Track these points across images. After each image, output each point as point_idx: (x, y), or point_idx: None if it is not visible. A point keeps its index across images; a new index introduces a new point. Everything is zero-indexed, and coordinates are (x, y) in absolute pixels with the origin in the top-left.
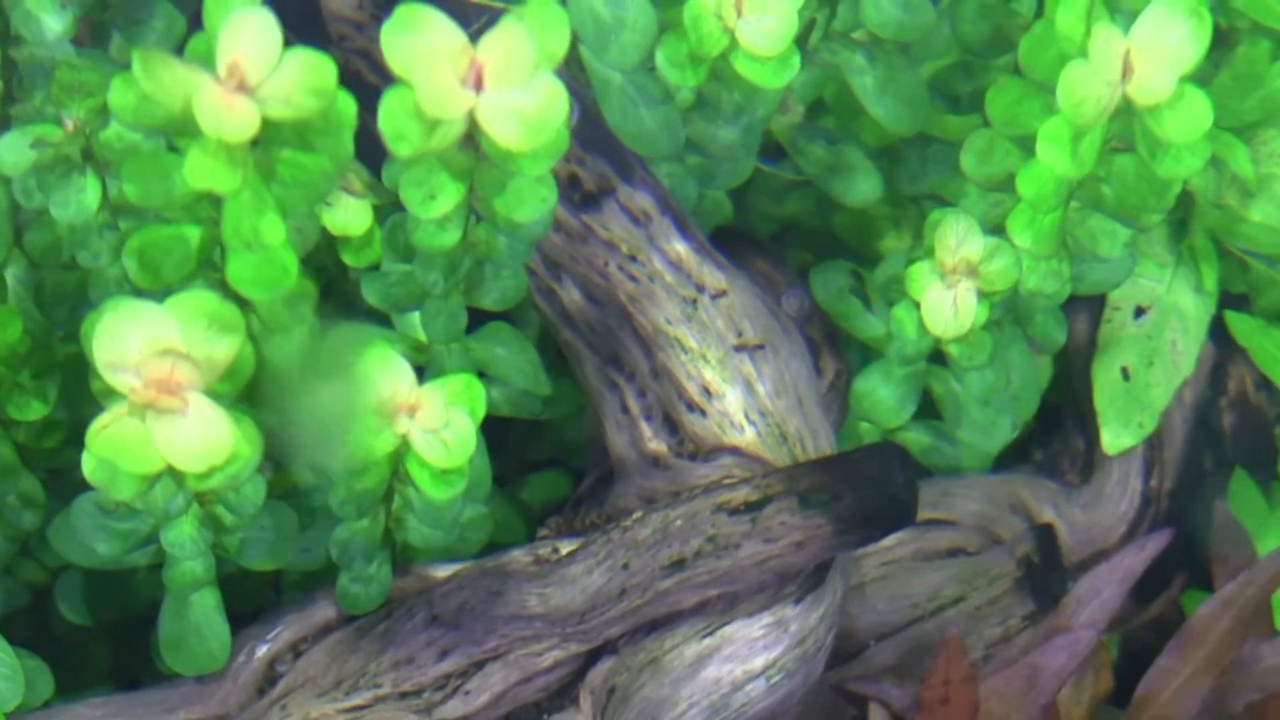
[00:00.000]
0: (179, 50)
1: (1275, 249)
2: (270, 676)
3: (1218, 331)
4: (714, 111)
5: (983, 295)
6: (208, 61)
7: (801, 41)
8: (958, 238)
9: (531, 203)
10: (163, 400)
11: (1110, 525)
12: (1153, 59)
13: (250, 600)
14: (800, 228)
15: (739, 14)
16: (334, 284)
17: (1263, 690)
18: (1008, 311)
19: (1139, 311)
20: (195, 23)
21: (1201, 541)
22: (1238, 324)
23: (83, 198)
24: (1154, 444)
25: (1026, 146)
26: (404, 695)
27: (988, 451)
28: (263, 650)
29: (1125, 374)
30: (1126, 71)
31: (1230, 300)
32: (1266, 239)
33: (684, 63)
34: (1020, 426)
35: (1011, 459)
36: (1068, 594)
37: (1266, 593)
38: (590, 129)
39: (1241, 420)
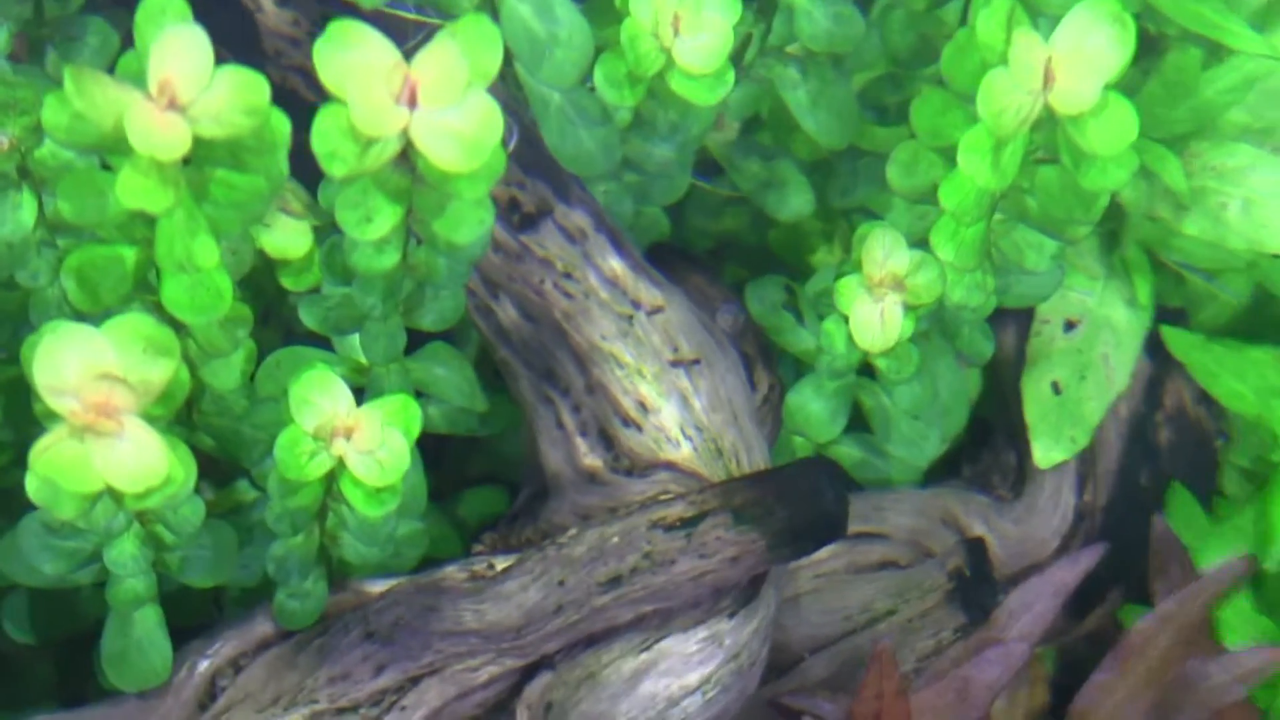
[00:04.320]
0: (112, 67)
1: (1211, 263)
2: (211, 692)
3: (1154, 346)
4: (650, 129)
5: (909, 308)
6: (139, 79)
7: (737, 57)
8: (884, 251)
9: (470, 224)
10: (100, 423)
11: (1043, 539)
12: (1075, 67)
13: (192, 617)
14: (737, 243)
15: (675, 32)
16: (273, 308)
17: (1210, 709)
18: (934, 324)
19: (1069, 325)
20: (129, 40)
21: (1139, 556)
22: (1174, 339)
23: (19, 215)
24: (1087, 458)
25: (951, 158)
26: (340, 711)
27: (917, 465)
28: (204, 666)
29: (1056, 388)
30: (1048, 80)
31: (1167, 314)
32: (1202, 253)
33: (622, 82)
34: (949, 440)
35: (943, 473)
36: (999, 607)
37: (1208, 608)
38: (529, 151)
39: (1179, 435)
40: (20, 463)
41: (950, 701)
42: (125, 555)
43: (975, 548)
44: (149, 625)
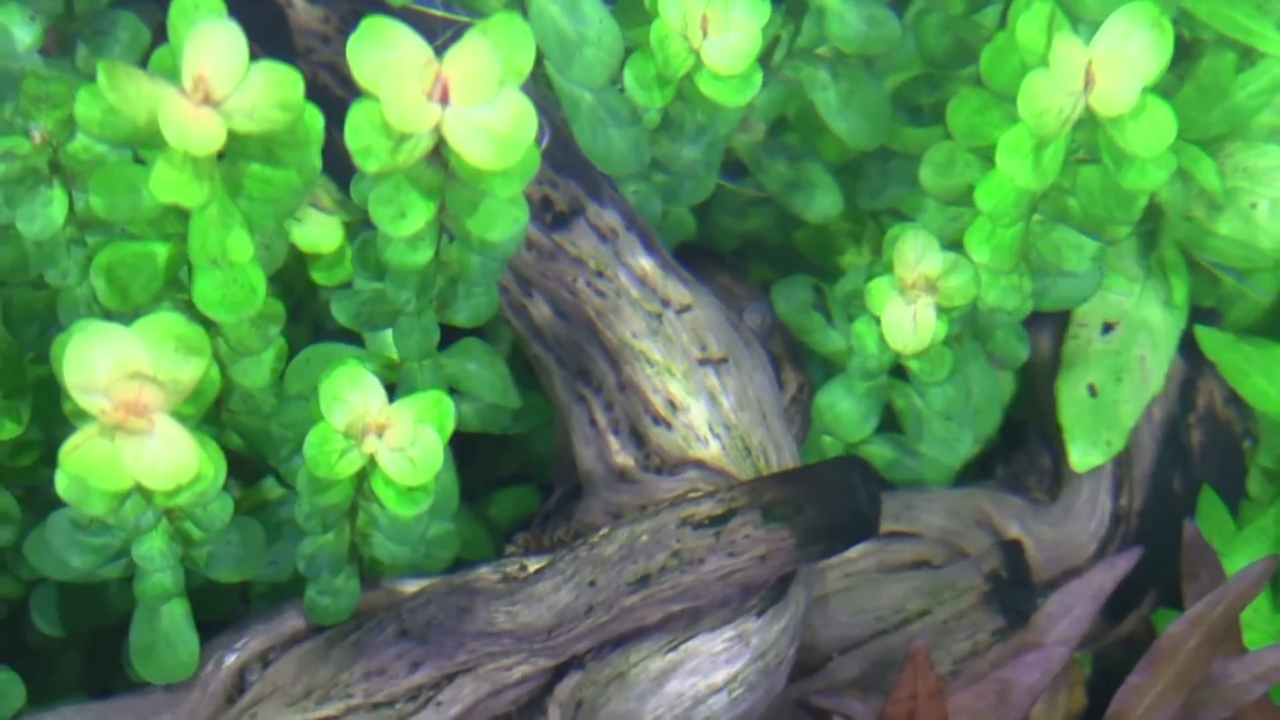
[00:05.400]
0: (143, 62)
1: (1243, 262)
2: (239, 685)
3: (1187, 346)
4: (678, 130)
5: (942, 311)
6: (173, 74)
7: (765, 59)
8: (917, 253)
9: (504, 223)
10: (130, 422)
11: (1080, 543)
12: (1115, 70)
13: (219, 611)
14: (762, 244)
15: (704, 33)
16: (304, 304)
17: (1232, 707)
18: (968, 327)
19: (1107, 327)
20: (160, 34)
21: (1172, 560)
22: (1207, 339)
23: (49, 211)
24: (1123, 462)
25: (987, 158)
26: (376, 706)
27: (950, 465)
28: (231, 659)
29: (1092, 391)
30: (1088, 82)
31: (1200, 314)
32: (1234, 252)
33: (651, 83)
34: (982, 441)
35: (975, 474)
36: (1038, 610)
37: (1234, 611)
38: (561, 151)
39: (1210, 437)
40: (49, 460)
41: (990, 704)
42: (154, 551)
43: (1013, 550)
44: (176, 619)
